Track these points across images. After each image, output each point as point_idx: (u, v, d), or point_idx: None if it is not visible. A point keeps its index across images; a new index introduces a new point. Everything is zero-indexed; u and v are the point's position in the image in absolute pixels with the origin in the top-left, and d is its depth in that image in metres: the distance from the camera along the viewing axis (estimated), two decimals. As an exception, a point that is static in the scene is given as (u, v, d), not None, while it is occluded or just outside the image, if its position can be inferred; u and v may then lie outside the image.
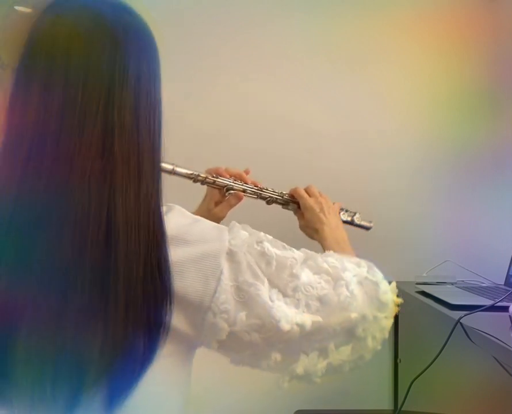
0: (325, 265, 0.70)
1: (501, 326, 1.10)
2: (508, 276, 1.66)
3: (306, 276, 0.67)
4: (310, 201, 1.05)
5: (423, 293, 1.55)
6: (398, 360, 1.86)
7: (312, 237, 1.03)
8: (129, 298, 0.56)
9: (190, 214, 0.67)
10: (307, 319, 0.65)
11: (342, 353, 0.70)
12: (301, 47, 1.90)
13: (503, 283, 1.67)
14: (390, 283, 0.78)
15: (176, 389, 0.66)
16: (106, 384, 0.56)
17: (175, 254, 0.61)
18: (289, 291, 0.65)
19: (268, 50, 1.89)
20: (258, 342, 0.64)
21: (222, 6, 1.87)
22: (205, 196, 1.09)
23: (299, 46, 1.90)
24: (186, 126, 1.81)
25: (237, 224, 0.68)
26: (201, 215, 1.06)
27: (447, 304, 1.34)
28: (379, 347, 0.74)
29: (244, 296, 0.62)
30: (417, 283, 1.69)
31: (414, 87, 1.91)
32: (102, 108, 0.57)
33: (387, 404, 1.90)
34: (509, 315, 1.07)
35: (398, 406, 1.60)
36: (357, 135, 1.92)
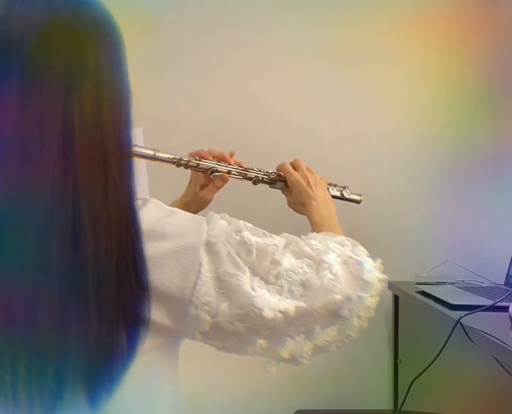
0: (307, 249, 0.70)
1: (501, 326, 1.10)
2: (508, 276, 1.66)
3: (288, 262, 0.67)
4: (297, 175, 1.02)
5: (423, 293, 1.55)
6: (398, 360, 1.86)
7: (300, 213, 1.02)
8: (101, 296, 0.55)
9: (166, 206, 0.66)
10: (290, 305, 0.65)
11: (328, 335, 0.71)
12: (301, 47, 1.90)
13: (503, 283, 1.67)
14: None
15: (164, 382, 0.66)
16: (88, 383, 0.55)
17: (153, 249, 0.59)
18: (271, 279, 0.65)
19: (268, 50, 1.89)
20: (242, 331, 0.64)
21: (222, 6, 1.87)
22: (190, 181, 1.07)
23: (299, 46, 1.90)
24: (185, 126, 1.81)
25: (215, 214, 0.67)
26: (188, 200, 1.04)
27: (447, 304, 1.34)
28: (365, 325, 0.74)
29: (225, 287, 0.62)
30: (417, 283, 1.69)
31: (414, 87, 1.91)
32: (61, 106, 0.55)
33: (387, 404, 1.90)
34: (510, 315, 1.07)
35: (398, 406, 1.60)
36: (357, 135, 1.92)
